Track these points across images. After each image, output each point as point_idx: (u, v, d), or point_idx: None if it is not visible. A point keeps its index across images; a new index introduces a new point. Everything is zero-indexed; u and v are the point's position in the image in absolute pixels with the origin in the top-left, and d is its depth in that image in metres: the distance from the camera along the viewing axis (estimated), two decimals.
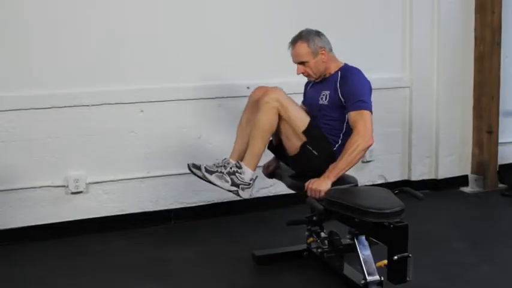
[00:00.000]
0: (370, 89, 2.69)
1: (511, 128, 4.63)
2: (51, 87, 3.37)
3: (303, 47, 2.74)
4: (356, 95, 2.61)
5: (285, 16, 3.81)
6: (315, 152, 2.65)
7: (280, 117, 2.64)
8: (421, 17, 4.20)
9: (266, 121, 2.62)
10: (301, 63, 2.77)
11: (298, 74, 2.82)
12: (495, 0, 4.22)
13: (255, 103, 2.73)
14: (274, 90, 2.67)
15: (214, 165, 2.71)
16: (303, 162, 2.68)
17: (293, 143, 2.69)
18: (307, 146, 2.65)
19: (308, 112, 2.79)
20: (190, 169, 2.69)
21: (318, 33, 2.78)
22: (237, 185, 2.65)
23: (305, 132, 2.65)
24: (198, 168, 2.67)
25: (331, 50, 2.80)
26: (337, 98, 2.67)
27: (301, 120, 2.67)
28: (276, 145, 2.85)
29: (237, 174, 2.65)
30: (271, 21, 3.80)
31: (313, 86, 2.93)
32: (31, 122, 3.35)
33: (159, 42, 3.57)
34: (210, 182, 2.64)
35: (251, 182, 2.69)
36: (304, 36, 2.75)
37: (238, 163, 2.68)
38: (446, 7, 4.22)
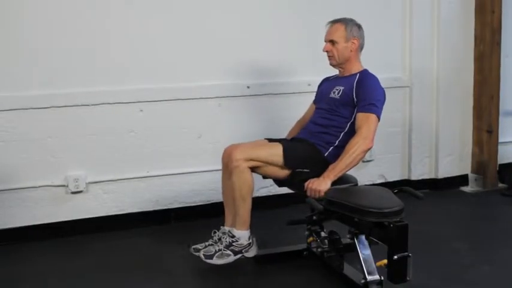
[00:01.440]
0: (384, 98, 2.75)
1: (511, 128, 4.64)
2: (51, 87, 3.37)
3: (340, 28, 2.82)
4: (369, 98, 2.67)
5: (285, 16, 3.81)
6: (306, 170, 2.68)
7: (256, 167, 2.67)
8: (421, 17, 4.20)
9: (242, 184, 2.65)
10: (331, 42, 2.82)
11: (324, 50, 2.87)
12: (495, 0, 4.21)
13: (226, 167, 2.77)
14: (236, 150, 2.66)
15: (211, 242, 2.79)
16: (299, 180, 2.69)
17: (282, 175, 2.74)
18: (296, 170, 2.69)
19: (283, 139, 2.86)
20: (193, 253, 2.83)
21: (359, 26, 2.87)
22: (240, 252, 2.73)
23: (286, 163, 2.68)
24: (198, 251, 2.76)
25: (362, 47, 2.88)
26: (351, 96, 2.72)
27: (276, 155, 2.68)
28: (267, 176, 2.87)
29: (234, 244, 2.72)
30: (271, 21, 3.80)
31: (328, 82, 2.98)
32: (31, 121, 3.35)
33: (159, 42, 3.57)
34: (214, 264, 2.71)
35: (250, 241, 2.76)
36: (346, 21, 2.85)
37: (231, 232, 2.74)
38: (446, 7, 4.22)
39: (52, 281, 2.85)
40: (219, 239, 2.78)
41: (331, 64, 2.90)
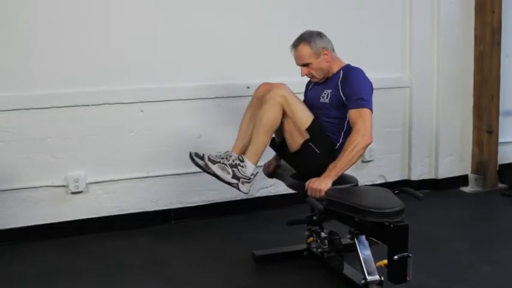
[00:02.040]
0: (372, 89, 2.70)
1: (511, 128, 4.64)
2: (52, 87, 3.37)
3: (305, 49, 2.74)
4: (357, 93, 2.62)
5: (285, 16, 3.81)
6: (317, 150, 2.65)
7: (284, 113, 2.65)
8: (421, 17, 4.21)
9: (270, 116, 2.63)
10: (305, 65, 2.78)
11: (302, 76, 2.83)
12: (495, 0, 4.22)
13: (259, 99, 2.74)
14: (279, 86, 2.68)
15: (216, 155, 2.69)
16: (305, 160, 2.68)
17: (295, 140, 2.69)
18: (310, 144, 2.66)
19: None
20: (191, 157, 2.67)
21: (319, 34, 2.78)
22: (238, 178, 2.64)
23: (308, 129, 2.66)
24: (201, 157, 2.65)
25: (333, 49, 2.81)
26: (339, 96, 2.68)
27: (305, 117, 2.68)
28: (278, 143, 2.85)
29: (239, 167, 2.64)
30: (271, 21, 3.80)
31: (315, 85, 2.93)
32: (31, 122, 3.35)
33: (159, 42, 3.57)
34: (211, 172, 2.62)
35: (252, 176, 2.68)
36: (306, 38, 2.76)
37: (241, 157, 2.68)
38: (446, 7, 4.22)
39: (52, 281, 2.85)
40: (226, 158, 2.68)
41: (316, 81, 2.86)
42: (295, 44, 2.79)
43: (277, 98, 2.62)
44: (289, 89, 2.70)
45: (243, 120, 2.85)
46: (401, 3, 4.20)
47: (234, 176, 2.63)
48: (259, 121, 2.64)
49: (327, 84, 2.79)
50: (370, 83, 2.71)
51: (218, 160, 2.64)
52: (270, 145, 2.82)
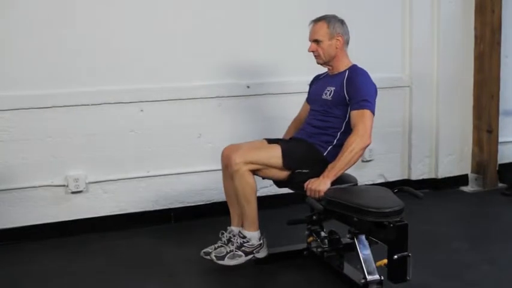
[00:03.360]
0: (376, 92, 2.71)
1: (510, 127, 4.64)
2: (51, 86, 3.37)
3: (323, 26, 2.79)
4: (361, 95, 2.63)
5: (285, 15, 3.81)
6: (306, 170, 2.67)
7: (256, 170, 2.66)
8: (421, 16, 4.20)
9: (245, 187, 2.63)
10: (316, 41, 2.80)
11: (309, 51, 2.84)
12: (495, 0, 4.21)
13: (227, 168, 2.75)
14: (235, 153, 2.63)
15: (220, 245, 2.77)
16: (300, 180, 2.68)
17: (282, 177, 2.73)
18: (296, 171, 2.68)
19: (278, 141, 2.81)
20: (203, 257, 2.81)
21: (342, 21, 2.84)
22: (251, 252, 2.71)
23: (285, 165, 2.67)
24: (209, 255, 2.76)
25: (347, 42, 2.84)
26: (342, 95, 2.69)
27: (275, 157, 2.66)
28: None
29: (245, 244, 2.70)
30: (271, 20, 3.80)
31: (319, 81, 2.96)
32: (31, 121, 3.35)
33: (159, 41, 3.57)
34: (226, 266, 2.70)
35: (261, 241, 2.74)
36: (328, 18, 2.81)
37: (241, 233, 2.72)
38: (446, 7, 4.22)
39: (52, 281, 2.85)
40: (229, 240, 2.76)
41: (318, 63, 2.87)
42: (316, 20, 2.83)
43: (241, 168, 2.60)
44: (244, 147, 2.70)
45: (226, 193, 2.89)
46: (401, 3, 4.20)
47: (247, 254, 2.71)
48: (238, 195, 2.67)
49: (332, 81, 2.80)
50: (375, 86, 2.73)
51: (224, 253, 2.70)
52: (262, 178, 2.84)
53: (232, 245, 2.71)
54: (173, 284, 2.79)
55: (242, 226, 2.75)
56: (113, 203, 3.59)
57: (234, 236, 2.74)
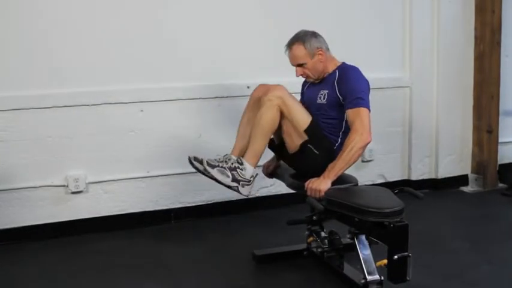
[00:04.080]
0: (368, 87, 2.68)
1: (511, 128, 4.63)
2: (52, 86, 3.37)
3: (299, 49, 2.74)
4: (354, 93, 2.61)
5: (285, 15, 3.81)
6: (316, 151, 2.65)
7: (282, 114, 2.64)
8: (421, 16, 4.20)
9: (268, 118, 2.62)
10: (300, 65, 2.77)
11: (297, 76, 2.83)
12: (495, 0, 4.21)
13: (256, 101, 2.73)
14: (277, 87, 2.67)
15: (215, 160, 2.69)
16: (304, 161, 2.67)
17: (294, 141, 2.69)
18: (308, 145, 2.65)
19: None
20: (191, 162, 2.66)
21: (314, 34, 2.77)
22: (238, 181, 2.63)
23: (306, 130, 2.65)
24: (200, 161, 2.65)
25: (328, 49, 2.80)
26: (336, 97, 2.67)
27: (303, 118, 2.67)
28: (277, 144, 2.84)
29: (238, 170, 2.64)
30: (271, 20, 3.80)
31: (311, 85, 2.92)
32: (31, 121, 3.35)
33: (159, 41, 3.57)
34: (210, 176, 2.62)
35: (251, 179, 2.67)
36: (301, 38, 2.75)
37: (240, 159, 2.67)
38: (446, 7, 4.22)
39: (52, 281, 2.85)
40: (225, 161, 2.68)
41: (311, 81, 2.86)
42: (290, 44, 2.78)
43: (275, 100, 2.61)
44: (287, 90, 2.69)
45: (241, 123, 2.84)
46: (401, 3, 4.20)
47: (234, 179, 2.63)
48: (257, 123, 2.63)
49: (323, 85, 2.78)
50: (367, 81, 2.69)
51: (217, 164, 2.63)
52: (269, 146, 2.82)
53: (227, 164, 2.65)
54: (173, 284, 2.79)
55: (243, 157, 2.69)
56: (113, 203, 3.59)
57: (230, 160, 2.67)
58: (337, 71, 2.75)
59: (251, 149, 2.66)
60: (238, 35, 3.74)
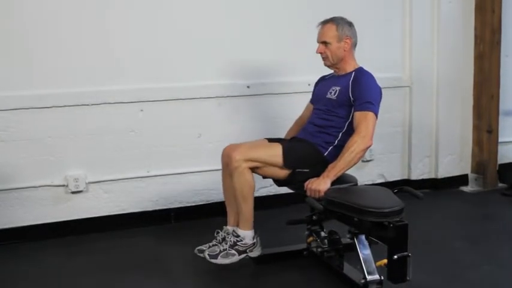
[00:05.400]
0: (380, 95, 2.73)
1: (510, 128, 4.63)
2: (51, 86, 3.37)
3: (331, 28, 2.80)
4: (365, 96, 2.65)
5: (285, 15, 3.81)
6: (306, 169, 2.68)
7: (256, 168, 2.67)
8: (421, 16, 4.20)
9: (243, 185, 2.65)
10: (324, 43, 2.81)
11: (317, 52, 2.85)
12: (495, 0, 4.21)
13: (226, 167, 2.77)
14: (235, 150, 2.65)
15: (215, 242, 2.79)
16: (300, 180, 2.69)
17: (281, 175, 2.74)
18: (296, 170, 2.69)
19: (279, 141, 2.81)
20: (197, 254, 2.82)
21: (350, 24, 2.85)
22: (244, 251, 2.73)
23: (285, 164, 2.67)
24: (203, 253, 2.77)
25: (355, 45, 2.85)
26: (347, 96, 2.71)
27: (275, 157, 2.67)
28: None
29: (238, 243, 2.71)
30: (271, 20, 3.80)
31: (324, 81, 2.97)
32: (31, 121, 3.35)
33: (159, 41, 3.57)
34: (219, 264, 2.71)
35: (254, 240, 2.75)
36: (336, 20, 2.82)
37: (235, 232, 2.74)
38: (446, 7, 4.22)
39: (52, 281, 2.85)
40: (223, 239, 2.78)
41: (325, 65, 2.89)
42: (325, 21, 2.85)
43: (241, 165, 2.61)
44: (245, 145, 2.71)
45: (224, 192, 2.91)
46: (401, 3, 4.20)
47: (240, 252, 2.72)
48: (236, 192, 2.68)
49: (337, 82, 2.82)
50: (380, 89, 2.74)
51: (218, 252, 2.71)
52: (263, 177, 2.85)
53: (226, 243, 2.72)
54: (173, 284, 2.79)
55: (237, 225, 2.76)
56: (112, 203, 3.59)
57: (229, 234, 2.75)
58: (354, 73, 2.79)
59: (241, 216, 2.73)
60: (238, 34, 3.73)
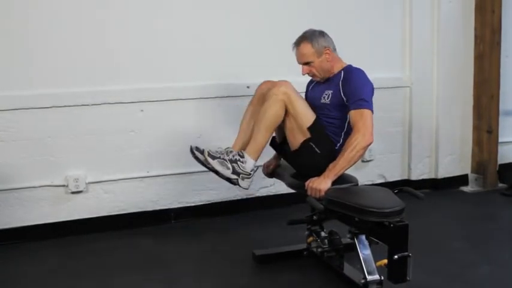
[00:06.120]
0: (372, 90, 2.70)
1: (510, 128, 4.63)
2: (52, 86, 3.37)
3: (307, 48, 2.74)
4: (358, 94, 2.62)
5: (285, 15, 3.81)
6: (317, 150, 2.65)
7: (286, 110, 2.65)
8: (421, 16, 4.20)
9: (272, 113, 2.63)
10: (306, 63, 2.78)
11: (303, 74, 2.83)
12: (495, 0, 4.22)
13: (261, 96, 2.74)
14: (283, 83, 2.67)
15: (216, 151, 2.68)
16: (304, 159, 2.68)
17: (296, 139, 2.69)
18: (310, 143, 2.66)
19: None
20: (192, 152, 2.66)
21: (322, 33, 2.78)
22: (238, 174, 2.64)
23: (310, 128, 2.66)
24: (201, 152, 2.65)
25: (335, 49, 2.81)
26: (340, 97, 2.68)
27: (307, 116, 2.67)
28: (279, 142, 2.85)
29: (238, 162, 2.64)
30: (271, 20, 3.80)
31: (316, 85, 2.93)
32: (31, 121, 3.35)
33: (159, 41, 3.57)
34: (211, 167, 2.62)
35: (252, 172, 2.68)
36: (308, 37, 2.75)
37: (241, 152, 2.68)
38: (446, 7, 4.22)
39: (52, 281, 2.85)
40: (226, 153, 2.67)
41: (316, 81, 2.86)
42: (297, 42, 2.78)
43: (280, 95, 2.62)
44: (292, 87, 2.69)
45: (244, 118, 2.85)
46: (401, 3, 4.20)
47: (234, 172, 2.63)
48: (261, 117, 2.64)
49: (328, 85, 2.79)
50: (371, 84, 2.71)
51: (218, 156, 2.63)
52: (270, 144, 2.83)
53: (228, 156, 2.65)
54: (173, 284, 2.79)
55: (244, 150, 2.70)
56: (112, 203, 3.59)
57: (232, 152, 2.68)
58: (342, 72, 2.76)
59: (253, 142, 2.67)
60: (238, 34, 3.74)
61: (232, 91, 3.75)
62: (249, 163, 2.66)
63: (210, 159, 2.60)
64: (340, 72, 2.77)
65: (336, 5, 3.98)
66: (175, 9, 3.59)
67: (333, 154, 2.64)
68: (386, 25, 4.17)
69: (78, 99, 3.43)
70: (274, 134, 2.77)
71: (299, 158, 2.73)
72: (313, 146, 2.65)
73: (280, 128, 2.74)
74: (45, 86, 3.36)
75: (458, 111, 4.39)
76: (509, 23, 4.42)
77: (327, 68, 2.77)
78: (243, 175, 2.65)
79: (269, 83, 2.76)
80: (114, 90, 3.50)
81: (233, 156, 2.65)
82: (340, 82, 2.70)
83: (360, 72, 2.73)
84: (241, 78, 3.76)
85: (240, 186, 2.66)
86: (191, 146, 2.67)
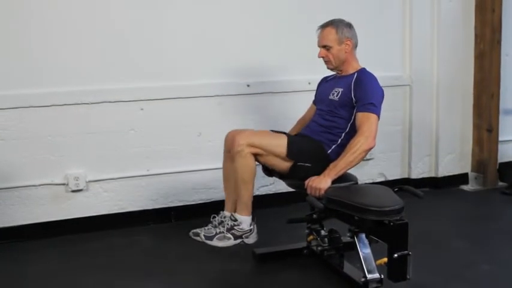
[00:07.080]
0: (383, 96, 2.73)
1: (511, 126, 4.63)
2: (52, 85, 3.37)
3: (331, 32, 2.78)
4: (368, 98, 2.65)
5: (285, 14, 3.81)
6: (308, 164, 2.67)
7: (258, 155, 2.66)
8: (421, 15, 4.20)
9: (244, 169, 2.63)
10: (325, 47, 2.80)
11: (319, 57, 2.85)
12: None
13: (229, 152, 2.76)
14: (241, 135, 2.65)
15: (211, 226, 2.77)
16: (301, 175, 2.68)
17: (283, 167, 2.72)
18: (298, 164, 2.68)
19: (283, 133, 2.83)
20: (192, 237, 2.78)
21: (349, 25, 2.83)
22: (240, 237, 2.71)
23: (289, 155, 2.67)
24: (198, 235, 2.74)
25: (356, 45, 2.85)
26: (349, 97, 2.70)
27: (280, 146, 2.67)
28: (270, 169, 2.85)
29: (235, 227, 2.70)
30: (271, 19, 3.80)
31: (327, 83, 2.97)
32: (31, 120, 3.35)
33: (159, 40, 3.57)
34: (214, 246, 2.70)
35: (251, 227, 2.73)
36: (335, 23, 2.81)
37: (233, 216, 2.72)
38: (447, 5, 4.22)
39: (52, 280, 2.85)
40: (220, 223, 2.75)
41: (328, 68, 2.89)
42: (324, 25, 2.83)
43: (244, 149, 2.60)
44: (251, 131, 2.74)
45: (224, 178, 2.90)
46: (401, 3, 4.19)
47: (236, 237, 2.70)
48: (237, 177, 2.67)
49: (339, 83, 2.82)
50: (382, 91, 2.74)
51: (214, 234, 2.70)
52: (263, 171, 2.86)
53: (223, 227, 2.70)
54: (173, 283, 2.79)
55: (235, 211, 2.75)
56: (113, 201, 3.59)
57: (226, 218, 2.74)
58: (356, 74, 2.78)
59: (240, 202, 2.72)
60: (238, 33, 3.73)
61: (232, 89, 3.75)
62: (244, 222, 2.71)
63: (209, 242, 2.69)
64: (354, 73, 2.80)
65: (336, 4, 3.97)
66: (175, 7, 3.59)
67: (325, 157, 2.68)
68: (387, 24, 4.17)
69: (78, 97, 3.42)
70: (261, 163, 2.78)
71: (296, 177, 2.74)
72: (302, 163, 2.68)
73: (263, 165, 2.78)
74: (46, 84, 3.36)
75: (458, 110, 4.39)
76: (509, 21, 4.42)
77: (343, 58, 2.80)
78: (245, 234, 2.71)
79: (230, 139, 2.75)
80: (114, 89, 3.50)
81: (228, 223, 2.71)
82: (353, 83, 2.73)
83: (373, 78, 2.77)
84: (241, 76, 3.76)
85: (247, 244, 2.74)
86: (190, 234, 2.78)
